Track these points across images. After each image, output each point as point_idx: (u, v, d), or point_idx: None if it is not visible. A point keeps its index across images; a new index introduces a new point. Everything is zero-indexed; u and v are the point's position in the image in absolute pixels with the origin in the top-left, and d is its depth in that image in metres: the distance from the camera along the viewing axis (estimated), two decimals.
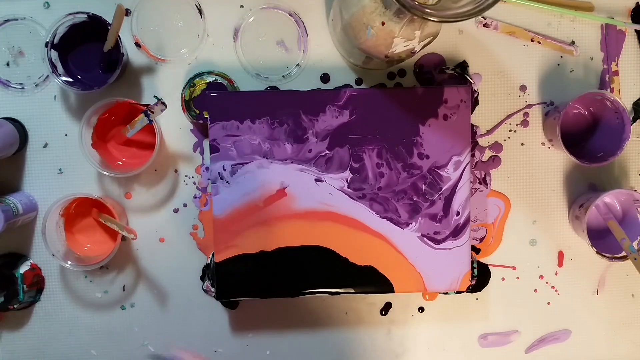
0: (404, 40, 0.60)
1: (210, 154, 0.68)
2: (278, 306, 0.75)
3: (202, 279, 0.75)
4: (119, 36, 0.67)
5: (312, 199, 0.69)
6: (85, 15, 0.67)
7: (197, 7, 0.72)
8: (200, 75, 0.73)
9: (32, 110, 0.73)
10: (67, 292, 0.74)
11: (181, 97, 0.73)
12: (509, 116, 0.76)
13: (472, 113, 0.74)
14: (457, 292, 0.73)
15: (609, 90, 0.75)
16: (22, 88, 0.73)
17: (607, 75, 0.76)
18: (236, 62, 0.74)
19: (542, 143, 0.76)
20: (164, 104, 0.67)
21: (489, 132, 0.76)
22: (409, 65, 0.74)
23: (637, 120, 0.76)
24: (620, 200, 0.74)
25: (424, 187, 0.69)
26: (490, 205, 0.76)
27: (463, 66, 0.75)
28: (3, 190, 0.73)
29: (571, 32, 0.75)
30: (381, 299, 0.76)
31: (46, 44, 0.67)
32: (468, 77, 0.74)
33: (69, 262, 0.68)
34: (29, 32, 0.73)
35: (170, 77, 0.74)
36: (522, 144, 0.76)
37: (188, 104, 0.73)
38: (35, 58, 0.73)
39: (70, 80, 0.70)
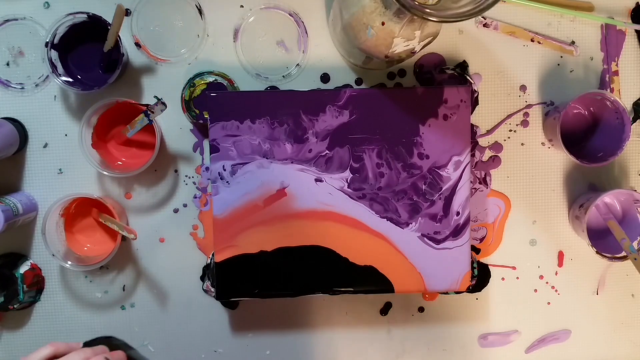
0: (404, 40, 0.60)
1: (210, 154, 0.68)
2: (278, 306, 0.75)
3: (202, 279, 0.75)
4: (119, 36, 0.67)
5: (312, 199, 0.69)
6: (85, 15, 0.67)
7: (197, 7, 0.72)
8: (200, 75, 0.73)
9: (32, 110, 0.73)
10: (67, 292, 0.74)
11: (181, 97, 0.73)
12: (509, 116, 0.76)
13: (472, 113, 0.74)
14: (457, 292, 0.73)
15: (609, 90, 0.75)
16: (22, 88, 0.73)
17: (607, 75, 0.76)
18: (236, 62, 0.74)
19: (542, 143, 0.76)
20: (164, 104, 0.67)
21: (489, 132, 0.76)
22: (409, 65, 0.74)
23: (637, 120, 0.76)
24: (620, 200, 0.74)
25: (424, 187, 0.69)
26: (490, 205, 0.76)
27: (463, 66, 0.75)
28: (3, 190, 0.73)
29: (571, 32, 0.75)
30: (381, 299, 0.76)
31: (46, 44, 0.67)
32: (468, 77, 0.74)
33: (69, 262, 0.68)
34: (29, 32, 0.73)
35: (170, 77, 0.74)
36: (522, 144, 0.76)
37: (188, 104, 0.72)
38: (35, 58, 0.73)
39: (70, 80, 0.70)
